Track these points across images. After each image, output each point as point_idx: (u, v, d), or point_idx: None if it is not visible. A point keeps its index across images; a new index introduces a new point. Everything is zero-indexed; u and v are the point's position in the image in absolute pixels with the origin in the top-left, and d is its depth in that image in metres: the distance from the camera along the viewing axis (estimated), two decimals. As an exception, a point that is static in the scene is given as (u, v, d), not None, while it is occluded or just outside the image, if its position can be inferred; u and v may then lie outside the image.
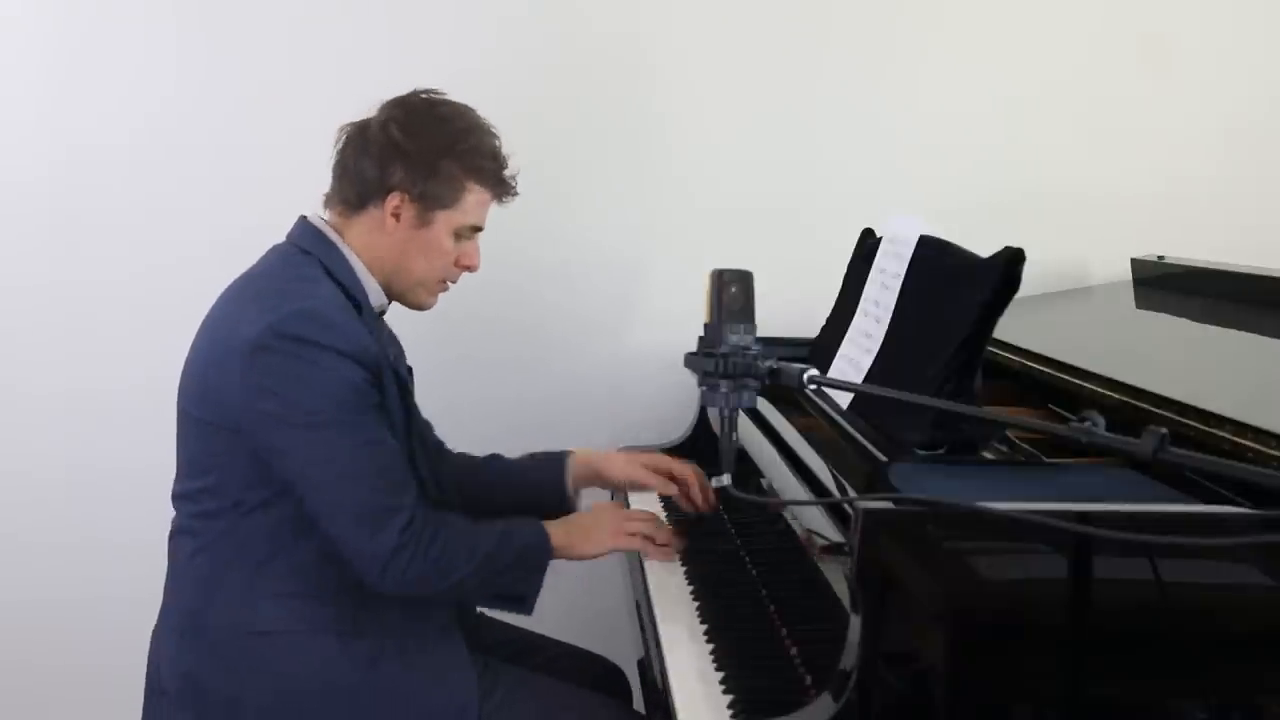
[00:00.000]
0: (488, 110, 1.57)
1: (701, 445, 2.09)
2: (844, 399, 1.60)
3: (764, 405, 1.68)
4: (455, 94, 1.58)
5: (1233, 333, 1.94)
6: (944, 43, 2.34)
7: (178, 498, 1.54)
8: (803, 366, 1.22)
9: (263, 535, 1.47)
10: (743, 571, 1.64)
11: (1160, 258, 2.25)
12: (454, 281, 1.61)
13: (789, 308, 1.86)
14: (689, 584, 1.61)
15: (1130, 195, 2.38)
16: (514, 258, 2.11)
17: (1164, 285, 2.23)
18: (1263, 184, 2.41)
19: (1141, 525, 1.07)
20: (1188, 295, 2.15)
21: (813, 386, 1.21)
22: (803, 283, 1.99)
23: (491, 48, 2.24)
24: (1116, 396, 1.51)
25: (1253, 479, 0.94)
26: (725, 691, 1.32)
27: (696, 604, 1.56)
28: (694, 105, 2.31)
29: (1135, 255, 2.31)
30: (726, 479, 1.29)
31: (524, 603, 1.53)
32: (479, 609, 1.71)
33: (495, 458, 1.83)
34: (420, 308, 1.61)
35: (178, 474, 1.54)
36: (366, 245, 1.54)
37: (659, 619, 1.52)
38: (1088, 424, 0.99)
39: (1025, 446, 1.55)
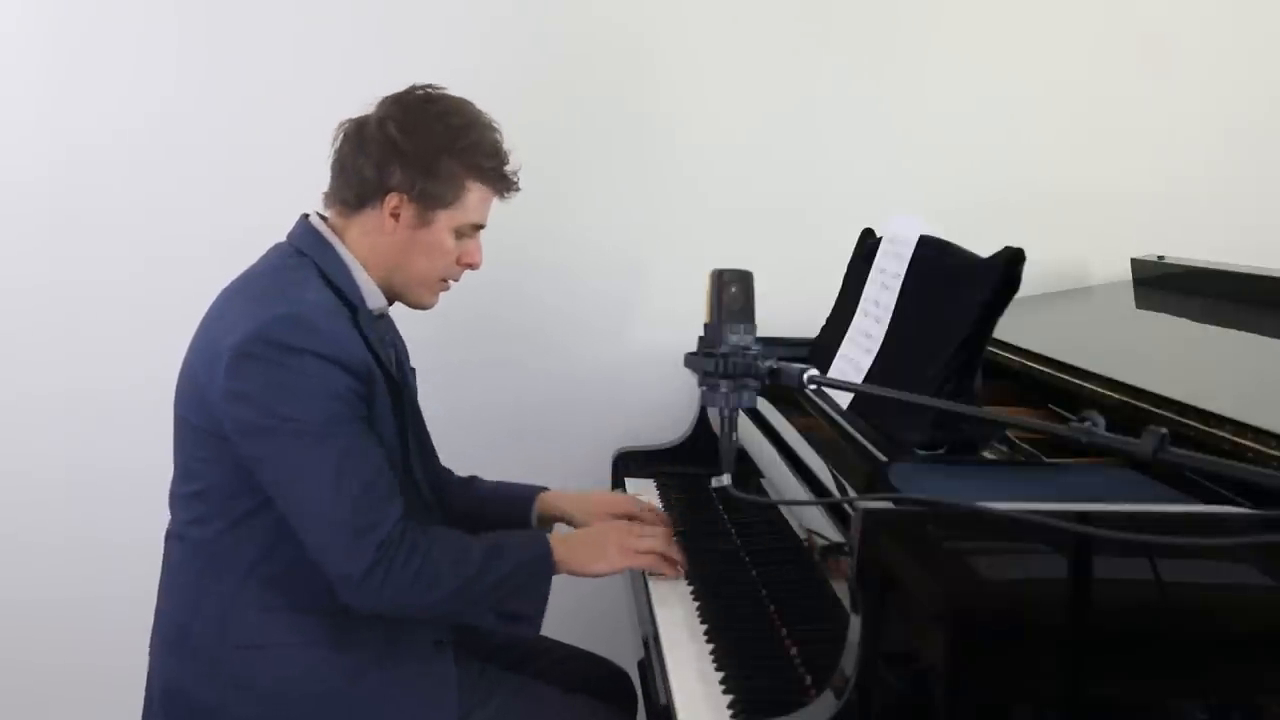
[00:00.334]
0: (488, 109, 1.56)
1: (701, 445, 2.09)
2: (844, 399, 1.59)
3: (764, 405, 1.68)
4: (455, 91, 1.56)
5: (1233, 333, 1.94)
6: (945, 43, 2.34)
7: (172, 500, 1.54)
8: (803, 366, 1.22)
9: (249, 545, 1.45)
10: (743, 571, 1.64)
11: (1160, 258, 2.25)
12: (456, 280, 1.60)
13: (789, 308, 1.86)
14: (689, 584, 1.61)
15: (1130, 195, 2.38)
16: (514, 257, 2.11)
17: (1164, 285, 2.23)
18: (1263, 184, 2.41)
19: (1141, 525, 1.07)
20: (1188, 295, 2.14)
21: (813, 386, 1.21)
22: (803, 283, 1.99)
23: (492, 48, 2.24)
24: (1116, 396, 1.51)
25: (1253, 479, 0.94)
26: (725, 691, 1.32)
27: (696, 604, 1.56)
28: (695, 105, 2.31)
29: (1135, 255, 2.31)
30: (726, 479, 1.29)
31: (526, 621, 1.48)
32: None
33: (473, 480, 1.81)
34: (421, 307, 1.60)
35: (174, 476, 1.54)
36: (366, 245, 1.53)
37: (659, 619, 1.52)
38: (1088, 424, 0.99)
39: (1025, 446, 1.55)
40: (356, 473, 1.38)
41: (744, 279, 1.30)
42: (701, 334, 1.30)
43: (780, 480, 1.52)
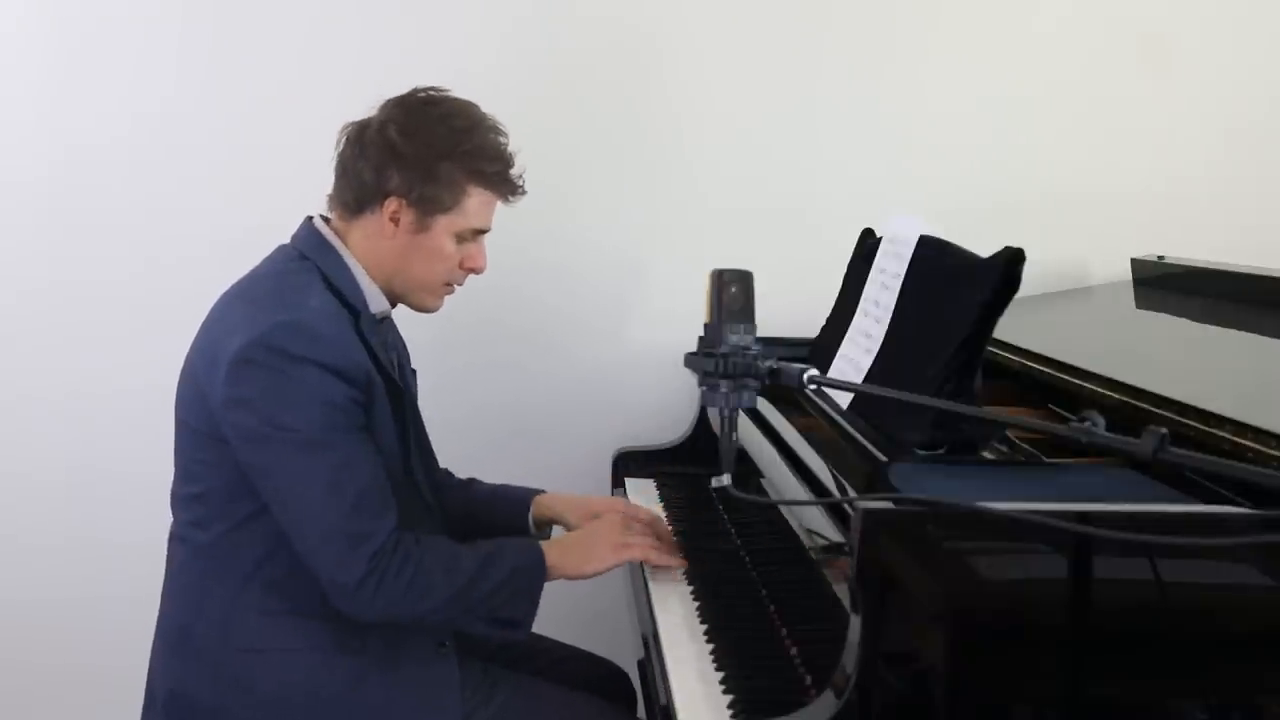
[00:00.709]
0: (489, 110, 1.55)
1: (701, 445, 2.09)
2: (844, 399, 1.59)
3: (764, 405, 1.68)
4: (455, 92, 1.55)
5: (1233, 333, 1.94)
6: (945, 43, 2.34)
7: (173, 501, 1.54)
8: (803, 366, 1.21)
9: (250, 548, 1.45)
10: (743, 571, 1.64)
11: (1160, 258, 2.25)
12: (460, 284, 1.59)
13: (789, 308, 1.86)
14: (689, 584, 1.61)
15: (1130, 195, 2.38)
16: (514, 258, 2.11)
17: (1164, 285, 2.23)
18: (1263, 184, 2.41)
19: (1141, 525, 1.07)
20: (1188, 295, 2.14)
21: (813, 386, 1.21)
22: (803, 283, 1.99)
23: (492, 49, 2.24)
24: (1116, 396, 1.51)
25: (1253, 479, 0.94)
26: (725, 691, 1.32)
27: (696, 604, 1.56)
28: (695, 105, 2.31)
29: (1135, 255, 2.31)
30: (726, 479, 1.28)
31: (517, 627, 1.48)
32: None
33: (472, 482, 1.80)
34: (425, 310, 1.59)
35: (175, 477, 1.53)
36: (367, 249, 1.52)
37: (659, 619, 1.52)
38: (1088, 424, 0.99)
39: (1025, 446, 1.55)
40: (352, 483, 1.38)
41: (744, 279, 1.30)
42: (701, 334, 1.30)
43: (780, 480, 1.52)
